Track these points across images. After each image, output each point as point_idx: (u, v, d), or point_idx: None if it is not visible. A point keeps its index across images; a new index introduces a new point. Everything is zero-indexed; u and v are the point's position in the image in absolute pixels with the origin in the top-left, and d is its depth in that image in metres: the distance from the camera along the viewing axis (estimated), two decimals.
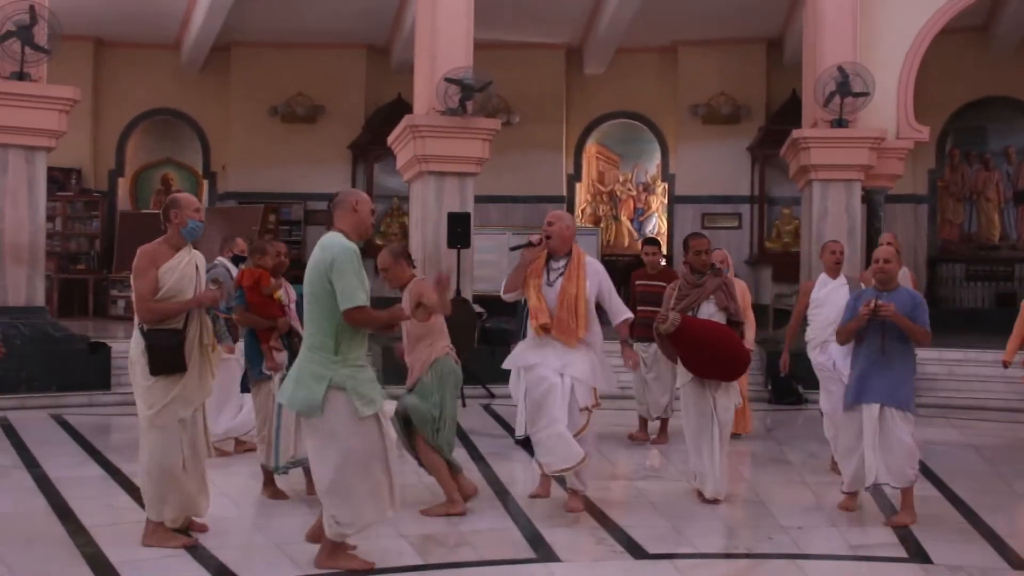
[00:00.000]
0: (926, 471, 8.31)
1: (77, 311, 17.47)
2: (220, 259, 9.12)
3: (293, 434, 6.97)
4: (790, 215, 18.17)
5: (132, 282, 5.93)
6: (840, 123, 13.14)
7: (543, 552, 5.93)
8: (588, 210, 19.57)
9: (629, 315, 7.08)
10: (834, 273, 8.51)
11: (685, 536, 6.33)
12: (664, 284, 8.54)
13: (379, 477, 5.40)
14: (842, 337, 6.96)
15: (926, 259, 18.01)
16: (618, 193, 19.60)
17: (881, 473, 6.69)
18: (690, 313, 7.28)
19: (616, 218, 19.60)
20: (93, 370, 11.33)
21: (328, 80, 18.89)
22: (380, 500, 5.42)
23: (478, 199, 14.85)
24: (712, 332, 7.15)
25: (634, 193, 19.59)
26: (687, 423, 7.33)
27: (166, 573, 5.52)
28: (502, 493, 7.34)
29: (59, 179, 18.41)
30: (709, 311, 7.32)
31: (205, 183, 19.55)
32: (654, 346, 8.80)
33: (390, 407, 6.01)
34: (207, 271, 8.81)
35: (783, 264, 16.93)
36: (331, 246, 5.34)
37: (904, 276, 8.79)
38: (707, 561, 5.91)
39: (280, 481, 7.23)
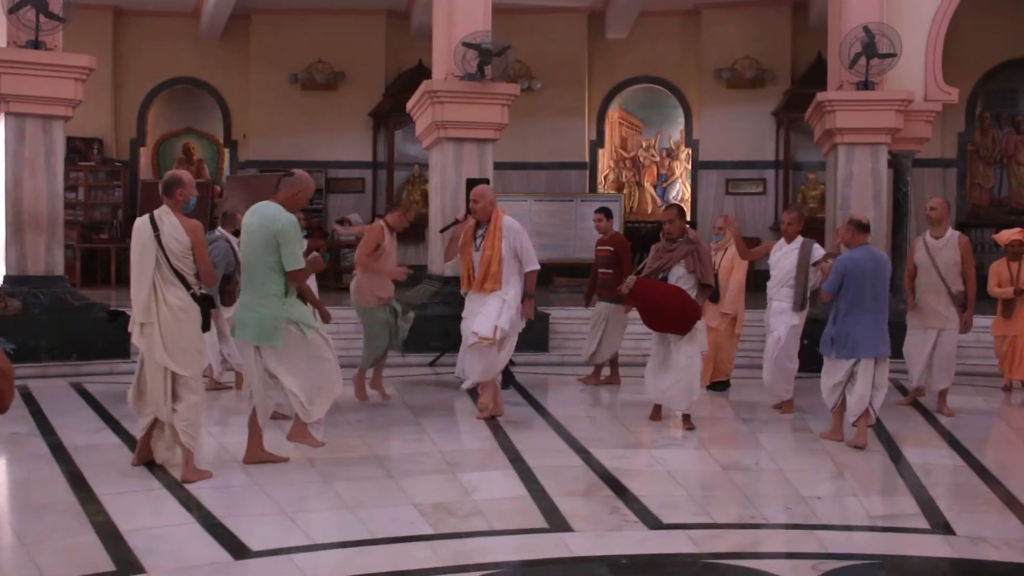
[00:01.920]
0: (951, 440, 8.20)
1: (100, 280, 17.53)
2: (221, 231, 9.71)
3: None
4: (815, 180, 17.95)
5: (196, 253, 6.67)
6: (866, 85, 12.86)
7: (556, 522, 5.84)
8: (611, 176, 19.37)
9: (534, 267, 8.57)
10: (788, 238, 9.38)
11: (701, 506, 6.24)
12: (611, 248, 10.60)
13: (332, 363, 7.05)
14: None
15: (955, 224, 17.66)
16: (641, 159, 19.38)
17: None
18: (661, 275, 8.48)
19: (639, 184, 19.38)
20: (113, 338, 11.32)
21: (348, 47, 18.76)
22: (337, 377, 7.10)
23: (500, 166, 14.74)
24: (661, 293, 8.36)
25: (657, 159, 19.36)
26: (649, 363, 8.71)
27: (171, 543, 5.47)
28: (517, 461, 7.24)
29: (81, 149, 18.46)
30: (679, 273, 8.46)
31: (226, 152, 19.51)
32: (611, 304, 10.34)
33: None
34: (211, 242, 9.39)
35: (809, 230, 16.52)
36: (277, 218, 6.79)
37: (951, 240, 9.46)
38: (723, 531, 5.79)
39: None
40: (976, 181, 18.20)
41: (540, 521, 5.87)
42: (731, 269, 10.18)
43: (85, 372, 11.04)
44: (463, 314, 8.86)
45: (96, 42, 17.25)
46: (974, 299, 9.45)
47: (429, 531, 5.66)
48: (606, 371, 10.95)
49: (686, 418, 8.52)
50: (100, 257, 17.92)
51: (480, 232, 8.61)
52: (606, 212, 10.91)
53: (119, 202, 18.48)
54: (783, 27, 18.48)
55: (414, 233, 18.00)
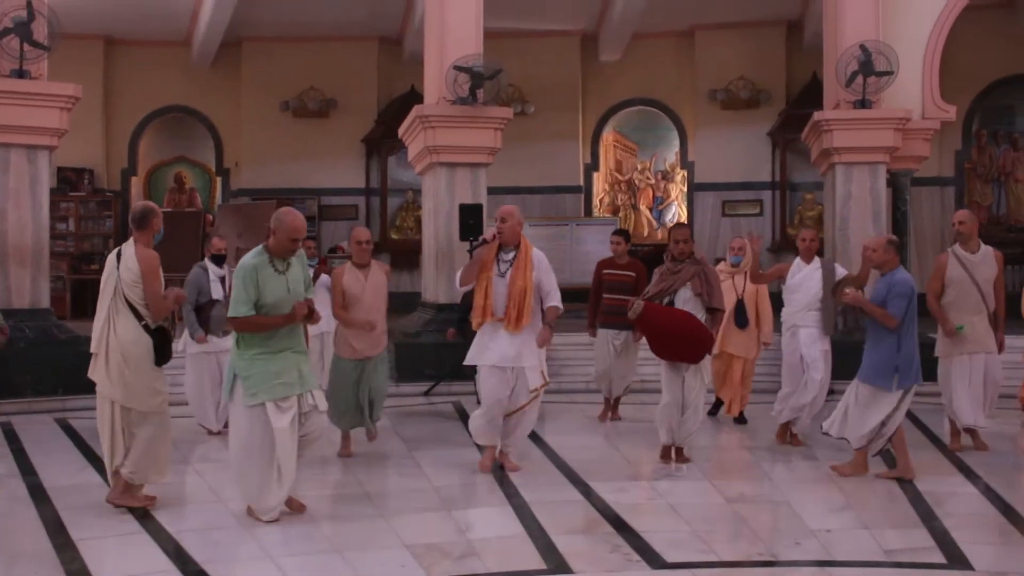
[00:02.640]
0: (961, 466, 7.94)
1: (90, 312, 17.07)
2: (207, 260, 9.49)
3: None
4: (813, 200, 17.80)
5: (144, 283, 6.44)
6: (863, 104, 12.68)
7: (554, 562, 5.57)
8: (606, 199, 19.19)
9: (558, 304, 7.65)
10: (808, 257, 8.81)
11: (706, 542, 5.96)
12: (631, 273, 9.84)
13: (266, 461, 6.21)
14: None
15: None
16: (636, 182, 19.19)
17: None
18: (667, 299, 7.90)
19: (635, 207, 19.20)
20: None
21: (340, 73, 18.62)
22: (268, 483, 6.21)
23: (493, 191, 14.52)
24: (672, 319, 7.77)
25: (653, 181, 19.17)
26: (662, 397, 8.04)
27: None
28: (514, 496, 6.98)
29: (71, 179, 18.30)
30: (685, 297, 7.88)
31: (218, 180, 19.34)
32: (624, 333, 9.70)
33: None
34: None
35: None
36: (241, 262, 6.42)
37: (987, 254, 8.74)
38: (729, 571, 5.53)
39: None
40: (974, 199, 17.99)
41: (537, 562, 5.61)
42: (756, 293, 9.70)
43: (71, 407, 10.76)
44: (475, 354, 7.75)
45: (87, 71, 17.16)
46: (1004, 317, 8.81)
47: (421, 575, 5.39)
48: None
49: (679, 451, 8.08)
50: (91, 288, 17.53)
51: (506, 257, 7.64)
52: (625, 235, 10.24)
53: (110, 232, 18.25)
54: (778, 47, 18.35)
55: (408, 260, 17.85)
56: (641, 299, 7.89)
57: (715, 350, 9.41)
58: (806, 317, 8.64)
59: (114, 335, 6.42)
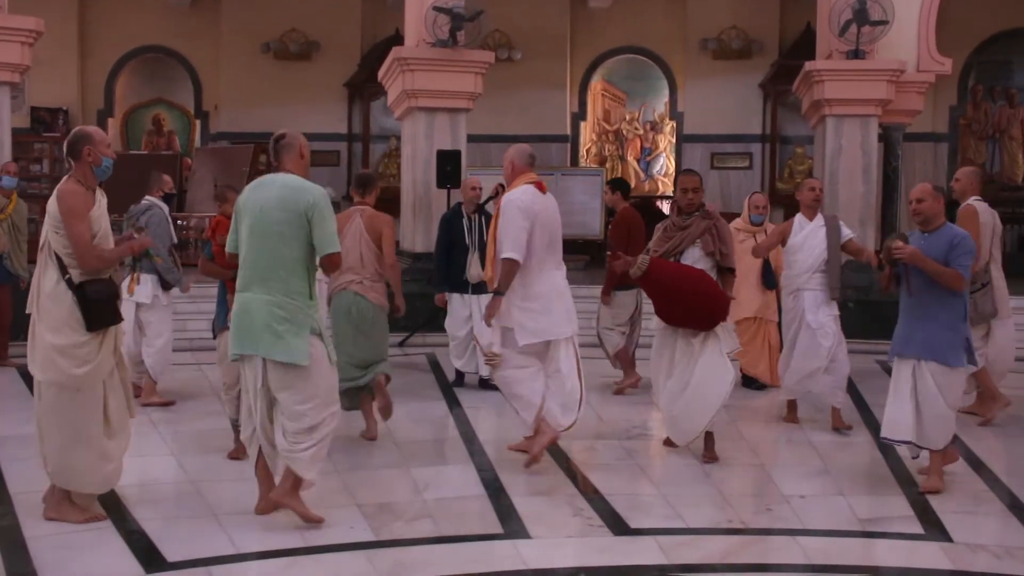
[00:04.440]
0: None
1: None
2: (149, 198, 8.62)
3: None
4: (803, 154, 17.48)
5: (64, 226, 5.19)
6: (856, 54, 12.29)
7: (512, 527, 5.30)
8: (593, 150, 18.80)
9: (504, 254, 6.31)
10: (811, 213, 7.86)
11: (673, 507, 5.68)
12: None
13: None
14: (883, 284, 6.39)
15: (946, 201, 17.14)
16: (624, 132, 18.78)
17: (908, 431, 6.09)
18: (673, 258, 6.68)
19: (622, 158, 18.81)
20: None
21: (322, 15, 18.10)
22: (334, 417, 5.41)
23: (478, 138, 14.18)
24: (684, 278, 6.54)
25: (641, 132, 18.77)
26: (653, 370, 6.89)
27: (79, 552, 4.92)
28: (478, 454, 6.71)
29: (45, 119, 17.86)
30: (694, 256, 6.69)
31: (197, 123, 18.90)
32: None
33: None
34: (142, 212, 8.43)
35: (796, 205, 16.09)
36: (309, 188, 5.22)
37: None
38: (695, 538, 5.25)
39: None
40: (968, 156, 17.66)
41: (495, 525, 5.33)
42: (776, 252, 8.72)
43: None
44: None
45: (62, 9, 16.71)
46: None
47: (370, 537, 5.11)
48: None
49: (709, 443, 6.80)
50: None
51: None
52: (611, 184, 9.48)
53: None
54: None
55: (391, 208, 17.39)
56: (646, 255, 6.68)
57: (737, 316, 8.51)
58: (810, 280, 7.70)
59: (39, 292, 5.26)
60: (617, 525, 5.37)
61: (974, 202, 8.10)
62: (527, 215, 6.30)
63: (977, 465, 6.66)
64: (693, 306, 6.52)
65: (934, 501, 5.80)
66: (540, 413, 6.32)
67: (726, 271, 6.77)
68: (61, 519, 5.26)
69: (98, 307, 5.24)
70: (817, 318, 7.64)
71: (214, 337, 7.03)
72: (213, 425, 7.40)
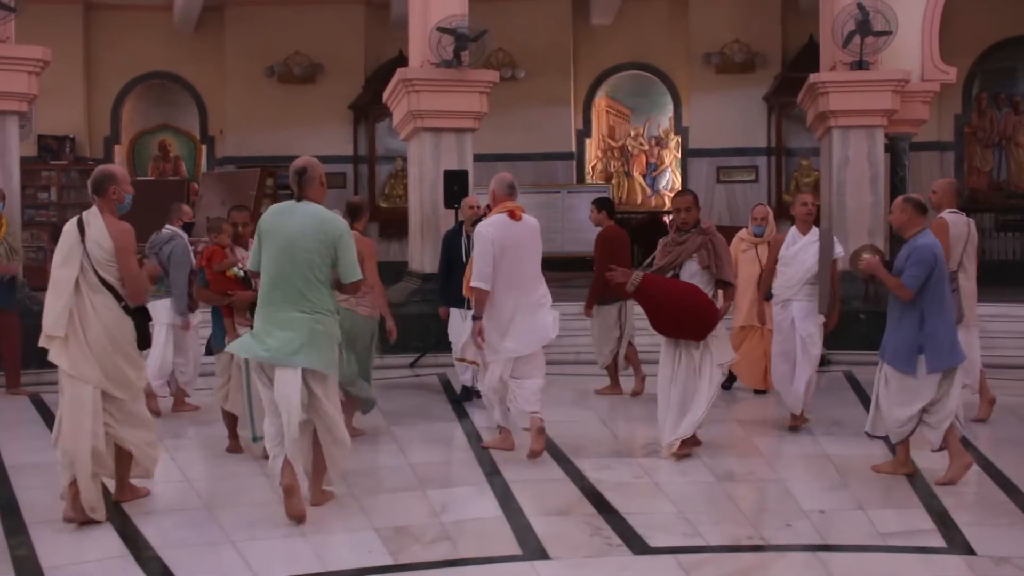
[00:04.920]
0: (964, 442, 7.60)
1: None
2: (169, 227, 8.98)
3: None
4: (809, 166, 17.49)
5: (120, 261, 5.82)
6: (860, 65, 12.29)
7: (530, 547, 5.26)
8: (599, 166, 18.82)
9: (474, 283, 6.94)
10: (805, 227, 8.11)
11: (692, 524, 5.64)
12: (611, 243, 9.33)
13: None
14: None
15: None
16: (629, 148, 18.81)
17: (880, 427, 6.76)
18: (671, 273, 7.21)
19: (628, 174, 18.83)
20: None
21: (326, 38, 18.20)
22: None
23: (483, 157, 14.17)
24: (674, 292, 7.08)
25: (646, 147, 18.80)
26: (660, 379, 7.30)
27: None
28: (494, 475, 6.67)
29: (53, 147, 17.93)
30: (692, 270, 7.18)
31: (203, 148, 18.98)
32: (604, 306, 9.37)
33: None
34: (165, 242, 8.67)
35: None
36: (335, 220, 5.84)
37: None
38: (716, 555, 5.21)
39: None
40: (974, 164, 17.68)
41: (513, 547, 5.30)
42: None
43: (46, 381, 10.38)
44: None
45: (67, 36, 16.92)
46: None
47: (388, 561, 5.08)
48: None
49: (686, 441, 7.17)
50: None
51: None
52: (597, 204, 9.75)
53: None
54: (773, 9, 17.96)
55: (397, 229, 17.48)
56: (640, 270, 7.23)
57: (737, 324, 9.18)
58: (802, 291, 7.96)
59: (96, 318, 5.72)
60: (636, 544, 5.33)
61: (947, 215, 8.23)
62: (493, 245, 6.91)
63: (998, 477, 6.60)
64: (683, 318, 7.02)
65: (955, 514, 5.75)
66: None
67: (725, 283, 7.22)
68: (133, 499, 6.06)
69: (147, 329, 6.01)
70: (806, 327, 7.95)
71: (208, 354, 7.88)
72: (225, 452, 7.42)
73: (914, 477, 6.54)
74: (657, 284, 7.11)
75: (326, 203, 5.88)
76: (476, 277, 6.90)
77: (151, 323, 6.16)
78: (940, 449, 6.51)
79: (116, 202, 5.90)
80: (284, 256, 5.68)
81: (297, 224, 5.70)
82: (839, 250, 8.07)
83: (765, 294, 8.37)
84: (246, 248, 7.33)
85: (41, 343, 5.90)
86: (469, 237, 9.12)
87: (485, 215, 7.59)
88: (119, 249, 5.78)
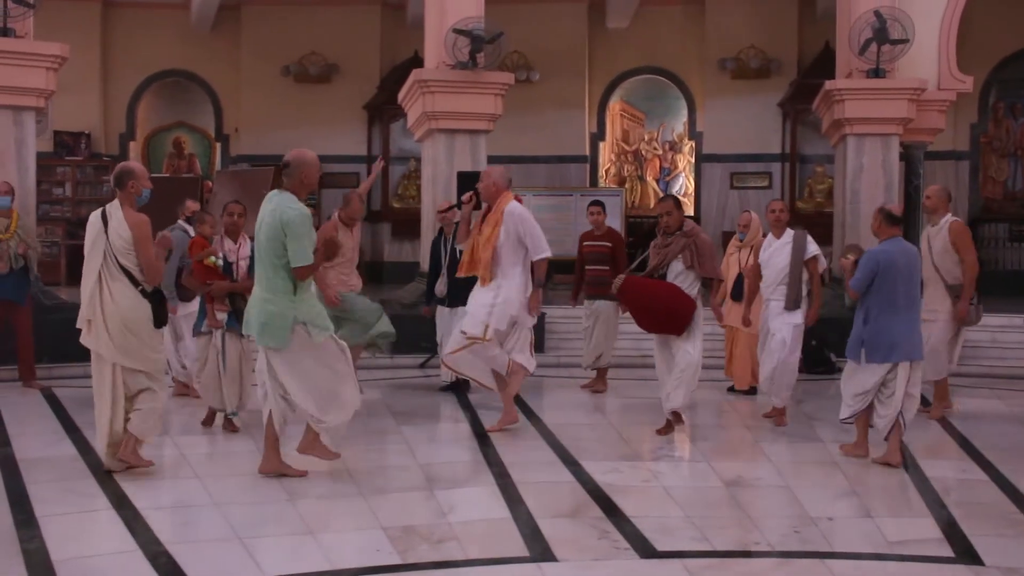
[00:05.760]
0: (970, 450, 7.61)
1: None
2: (180, 222, 9.49)
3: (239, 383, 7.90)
4: (823, 173, 17.45)
5: (138, 250, 6.44)
6: (877, 73, 12.28)
7: (537, 549, 5.26)
8: (612, 170, 18.81)
9: (542, 255, 7.86)
10: (777, 232, 8.57)
11: (700, 529, 5.63)
12: (608, 244, 9.86)
13: (345, 373, 6.44)
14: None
15: (967, 219, 17.09)
16: (643, 152, 18.80)
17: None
18: (660, 273, 7.85)
19: (641, 178, 18.82)
20: None
21: (342, 38, 18.24)
22: (351, 389, 6.48)
23: (497, 159, 14.12)
24: (651, 292, 7.82)
25: (660, 152, 18.79)
26: (658, 370, 8.07)
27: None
28: (502, 476, 6.67)
29: (68, 143, 18.00)
30: (677, 270, 7.81)
31: (218, 146, 19.04)
32: (599, 303, 9.80)
33: None
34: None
35: (816, 225, 16.05)
36: (288, 208, 6.22)
37: (943, 226, 8.85)
38: (723, 561, 5.20)
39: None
40: (989, 174, 17.63)
41: (520, 548, 5.29)
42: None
43: (57, 376, 10.48)
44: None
45: (85, 34, 16.99)
46: (968, 287, 8.74)
47: (396, 560, 5.09)
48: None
49: (676, 415, 7.92)
50: None
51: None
52: (603, 206, 10.24)
53: (107, 198, 17.68)
54: (789, 16, 17.94)
55: (410, 229, 17.50)
56: (624, 273, 8.01)
57: (727, 323, 9.69)
58: (776, 292, 8.43)
59: (112, 301, 6.40)
60: (644, 548, 5.32)
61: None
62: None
63: (1007, 488, 6.57)
64: (661, 316, 7.80)
65: (964, 523, 5.73)
66: (509, 363, 7.91)
67: (709, 280, 8.01)
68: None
69: (163, 310, 6.64)
70: (775, 324, 8.39)
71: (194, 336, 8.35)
72: (235, 448, 7.48)
73: (923, 487, 6.53)
74: (638, 285, 7.89)
75: (337, 202, 6.44)
76: (546, 248, 7.85)
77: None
78: (885, 437, 7.09)
79: (134, 195, 6.51)
80: (258, 241, 6.35)
81: (266, 212, 6.27)
82: (812, 250, 8.40)
83: (752, 295, 8.86)
84: (235, 240, 8.04)
85: (78, 325, 6.58)
86: (447, 239, 9.93)
87: (470, 200, 8.17)
88: (136, 238, 6.40)
